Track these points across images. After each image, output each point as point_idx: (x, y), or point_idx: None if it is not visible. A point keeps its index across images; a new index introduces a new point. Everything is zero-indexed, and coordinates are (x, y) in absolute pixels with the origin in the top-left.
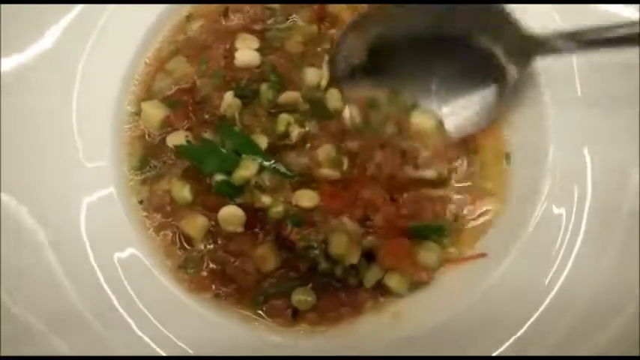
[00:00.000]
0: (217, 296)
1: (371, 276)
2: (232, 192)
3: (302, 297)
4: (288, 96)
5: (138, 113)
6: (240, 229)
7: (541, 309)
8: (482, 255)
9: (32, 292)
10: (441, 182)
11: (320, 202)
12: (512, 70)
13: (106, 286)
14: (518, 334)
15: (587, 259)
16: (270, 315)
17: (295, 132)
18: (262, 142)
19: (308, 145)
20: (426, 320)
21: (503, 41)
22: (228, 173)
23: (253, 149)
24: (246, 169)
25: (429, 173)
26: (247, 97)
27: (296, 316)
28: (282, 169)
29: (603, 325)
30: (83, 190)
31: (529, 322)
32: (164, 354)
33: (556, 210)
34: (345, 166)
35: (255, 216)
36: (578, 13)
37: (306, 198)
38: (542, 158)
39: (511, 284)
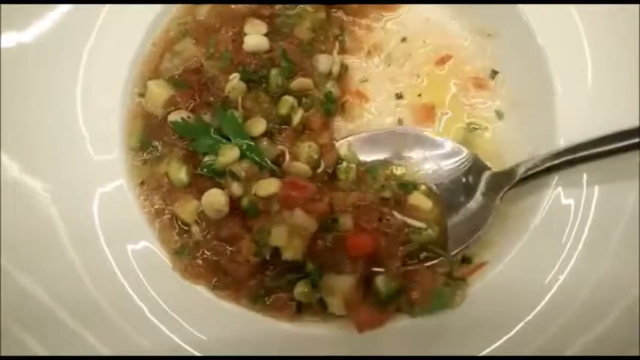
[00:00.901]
0: (215, 287)
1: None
2: (217, 174)
3: (304, 289)
4: (301, 82)
5: (143, 94)
6: (226, 209)
7: (542, 304)
8: (483, 265)
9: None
10: (430, 241)
11: (280, 191)
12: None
13: (118, 273)
14: (515, 331)
15: (589, 256)
16: (275, 308)
17: (298, 116)
18: (261, 125)
19: (283, 134)
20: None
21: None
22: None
23: (243, 136)
24: (224, 156)
25: (418, 224)
26: (254, 81)
27: (301, 309)
28: (267, 163)
29: (602, 319)
30: (95, 181)
31: (528, 319)
32: (175, 338)
33: (564, 201)
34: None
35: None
36: (596, 13)
37: (263, 186)
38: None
39: (511, 281)
